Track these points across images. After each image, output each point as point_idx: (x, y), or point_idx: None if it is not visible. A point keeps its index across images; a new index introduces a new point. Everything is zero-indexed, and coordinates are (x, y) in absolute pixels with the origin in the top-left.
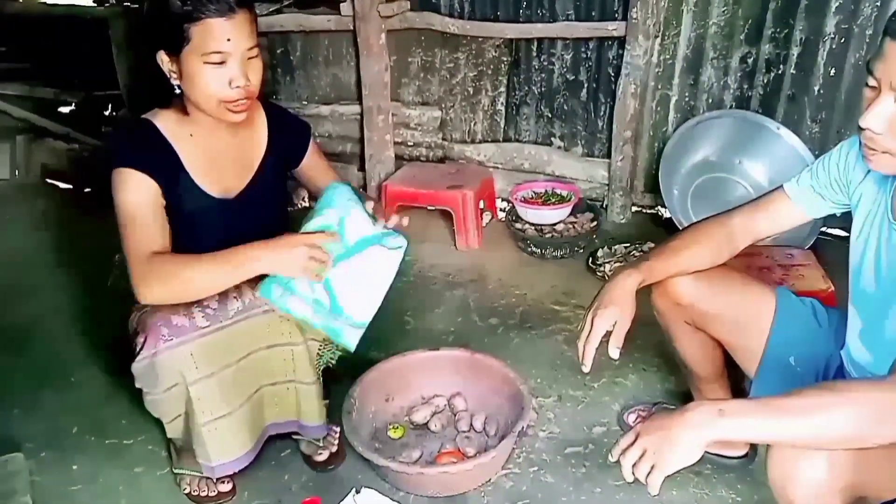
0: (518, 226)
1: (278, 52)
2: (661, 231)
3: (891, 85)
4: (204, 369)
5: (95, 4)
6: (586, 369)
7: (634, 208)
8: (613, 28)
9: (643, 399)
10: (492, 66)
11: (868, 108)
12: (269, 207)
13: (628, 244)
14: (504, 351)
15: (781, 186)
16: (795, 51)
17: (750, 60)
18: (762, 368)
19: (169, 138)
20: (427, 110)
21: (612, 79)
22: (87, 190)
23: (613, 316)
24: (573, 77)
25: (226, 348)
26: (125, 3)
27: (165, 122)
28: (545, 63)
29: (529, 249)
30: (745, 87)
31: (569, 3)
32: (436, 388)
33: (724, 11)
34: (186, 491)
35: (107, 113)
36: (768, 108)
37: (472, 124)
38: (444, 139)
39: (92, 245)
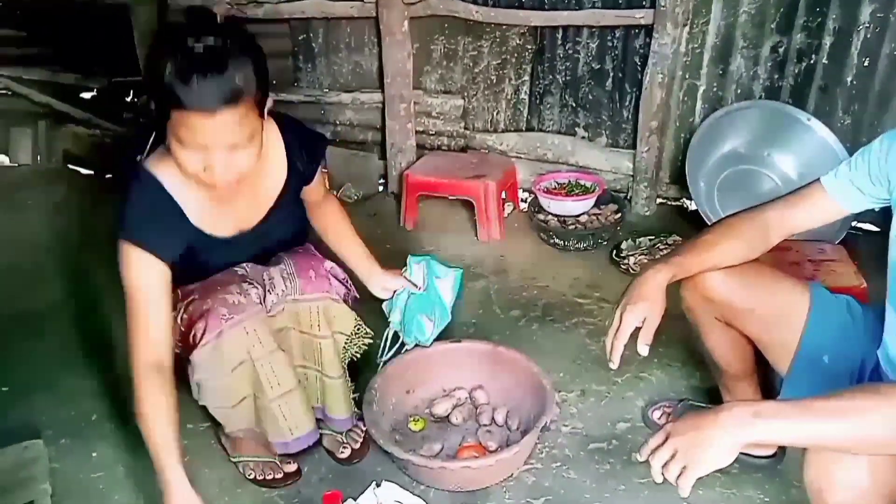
0: (541, 217)
1: (300, 38)
2: (687, 224)
3: None
4: (267, 345)
5: None
6: (614, 366)
7: (659, 200)
8: (641, 16)
9: (668, 395)
10: (516, 55)
11: None
12: (290, 226)
13: (653, 237)
14: (526, 344)
15: (818, 180)
16: (828, 40)
17: (781, 50)
18: (795, 366)
19: (175, 194)
20: (449, 99)
21: (639, 68)
22: (108, 176)
23: (643, 312)
24: (598, 66)
25: (277, 327)
26: None
27: (170, 174)
28: (570, 51)
29: (552, 241)
30: (776, 77)
31: None
32: (457, 381)
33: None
34: (252, 477)
35: (128, 99)
36: (799, 99)
37: (495, 113)
38: (466, 128)
39: (112, 231)
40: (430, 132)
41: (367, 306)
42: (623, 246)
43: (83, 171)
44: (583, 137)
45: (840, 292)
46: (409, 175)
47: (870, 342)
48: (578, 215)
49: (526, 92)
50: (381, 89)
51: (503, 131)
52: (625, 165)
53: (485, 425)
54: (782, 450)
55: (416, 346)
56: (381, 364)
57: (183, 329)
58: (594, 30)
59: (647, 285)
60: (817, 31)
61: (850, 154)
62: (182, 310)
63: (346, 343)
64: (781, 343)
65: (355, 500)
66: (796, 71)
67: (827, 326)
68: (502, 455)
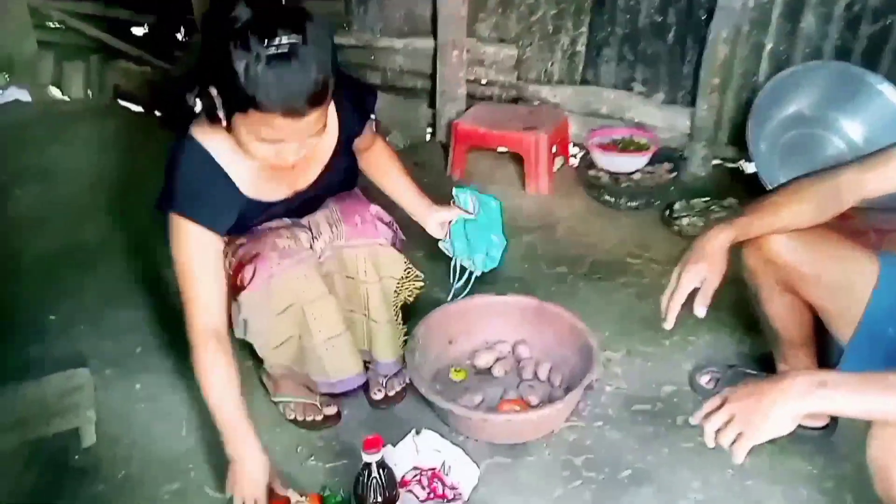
0: (592, 173)
1: None
2: (743, 187)
3: None
4: (317, 289)
5: None
6: (668, 326)
7: (716, 161)
8: None
9: (716, 360)
10: (574, 4)
11: None
12: (342, 179)
13: (707, 199)
14: (571, 301)
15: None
16: None
17: (856, 8)
18: (857, 336)
19: (226, 166)
20: (503, 48)
21: (703, 22)
22: (157, 113)
23: (702, 273)
24: (661, 19)
25: (323, 272)
26: None
27: (219, 144)
28: (631, 3)
29: (603, 198)
30: (848, 37)
31: None
32: (500, 334)
33: None
34: (292, 417)
35: (179, 37)
36: (871, 61)
37: (550, 64)
38: (518, 79)
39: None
40: (482, 81)
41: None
42: (676, 206)
43: (133, 107)
44: (639, 93)
45: None
46: (458, 125)
47: None
48: (631, 173)
49: (583, 43)
50: (434, 35)
51: (557, 83)
52: (682, 123)
53: (527, 380)
54: (834, 422)
55: (484, 273)
56: (452, 297)
57: (231, 272)
58: None
59: (709, 246)
60: None
61: None
62: (230, 253)
63: (396, 287)
64: (845, 312)
65: (394, 446)
66: (870, 31)
67: (894, 298)
68: (545, 410)
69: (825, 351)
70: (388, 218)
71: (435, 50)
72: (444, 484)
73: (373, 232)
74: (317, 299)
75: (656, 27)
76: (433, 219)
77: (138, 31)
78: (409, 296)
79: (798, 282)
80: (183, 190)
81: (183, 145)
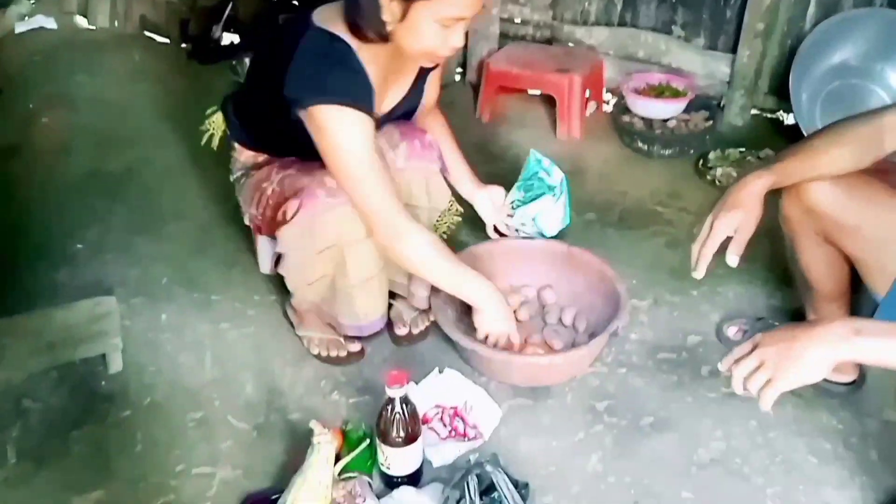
0: (626, 118)
1: None
2: (781, 138)
3: None
4: (359, 232)
5: None
6: (698, 275)
7: (754, 111)
8: None
9: (745, 313)
10: None
11: None
12: (411, 112)
13: (744, 149)
14: (599, 248)
15: None
16: None
17: None
18: (894, 290)
19: (364, 64)
20: None
21: None
22: (183, 45)
23: (737, 220)
24: None
25: None
26: None
27: (356, 42)
28: None
29: (635, 145)
30: None
31: None
32: (525, 278)
33: None
34: (316, 353)
35: None
36: None
37: (586, 4)
38: (553, 18)
39: (187, 100)
40: (515, 20)
41: None
42: (710, 156)
43: (159, 38)
44: (679, 37)
45: None
46: (489, 64)
47: None
48: (666, 120)
49: None
50: None
51: (593, 24)
52: (721, 70)
53: (551, 324)
54: (861, 378)
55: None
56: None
57: (272, 202)
58: None
59: (744, 192)
60: None
61: None
62: (276, 181)
63: (438, 219)
64: (884, 265)
65: (417, 384)
66: None
67: None
68: (570, 354)
69: (857, 306)
70: (439, 149)
71: None
72: (465, 423)
73: (430, 156)
74: (357, 242)
75: None
76: (483, 195)
77: None
78: (445, 230)
79: (837, 232)
80: (332, 77)
81: (320, 36)
